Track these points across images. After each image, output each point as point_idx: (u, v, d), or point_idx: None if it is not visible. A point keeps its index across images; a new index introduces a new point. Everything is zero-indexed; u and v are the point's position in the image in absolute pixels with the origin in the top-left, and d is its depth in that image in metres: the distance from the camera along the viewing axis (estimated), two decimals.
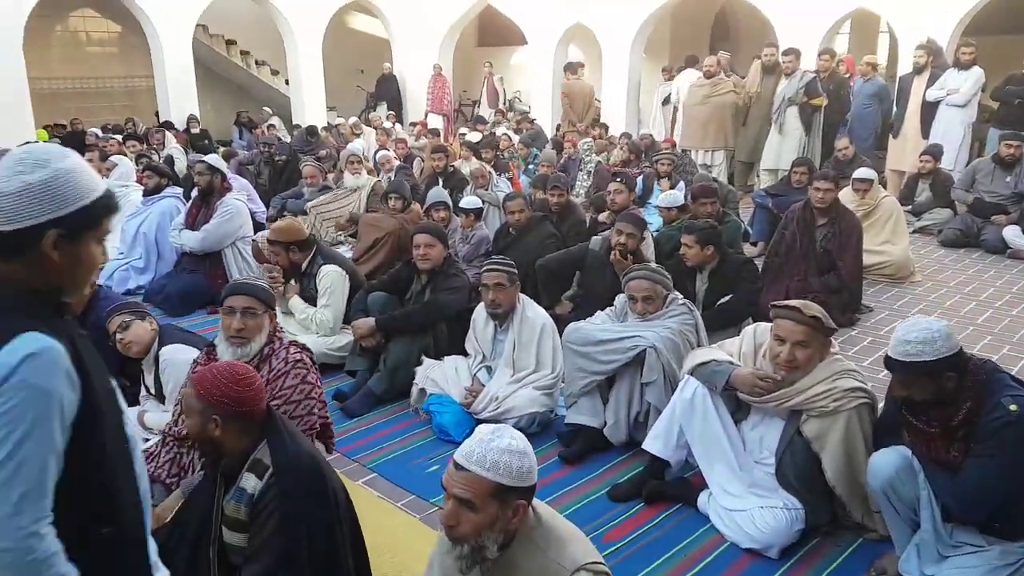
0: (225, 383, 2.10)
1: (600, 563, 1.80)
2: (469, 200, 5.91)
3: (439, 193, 6.07)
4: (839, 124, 9.09)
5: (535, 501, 1.84)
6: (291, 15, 13.74)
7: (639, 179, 7.42)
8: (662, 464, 3.15)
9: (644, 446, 3.17)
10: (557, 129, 11.99)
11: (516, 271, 3.86)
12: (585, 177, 8.56)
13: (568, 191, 6.31)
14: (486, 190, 6.97)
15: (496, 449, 1.69)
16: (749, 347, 3.01)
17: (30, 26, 11.35)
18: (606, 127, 11.30)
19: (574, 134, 10.14)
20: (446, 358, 4.13)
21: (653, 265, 3.84)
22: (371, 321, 4.22)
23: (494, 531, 1.68)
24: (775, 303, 2.89)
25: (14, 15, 11.01)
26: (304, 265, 4.60)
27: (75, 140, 10.65)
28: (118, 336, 3.30)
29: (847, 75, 10.06)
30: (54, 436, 1.28)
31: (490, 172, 7.43)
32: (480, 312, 4.00)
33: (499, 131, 11.54)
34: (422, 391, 4.01)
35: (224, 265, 5.77)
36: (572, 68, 11.60)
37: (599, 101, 12.50)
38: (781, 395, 2.80)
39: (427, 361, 4.12)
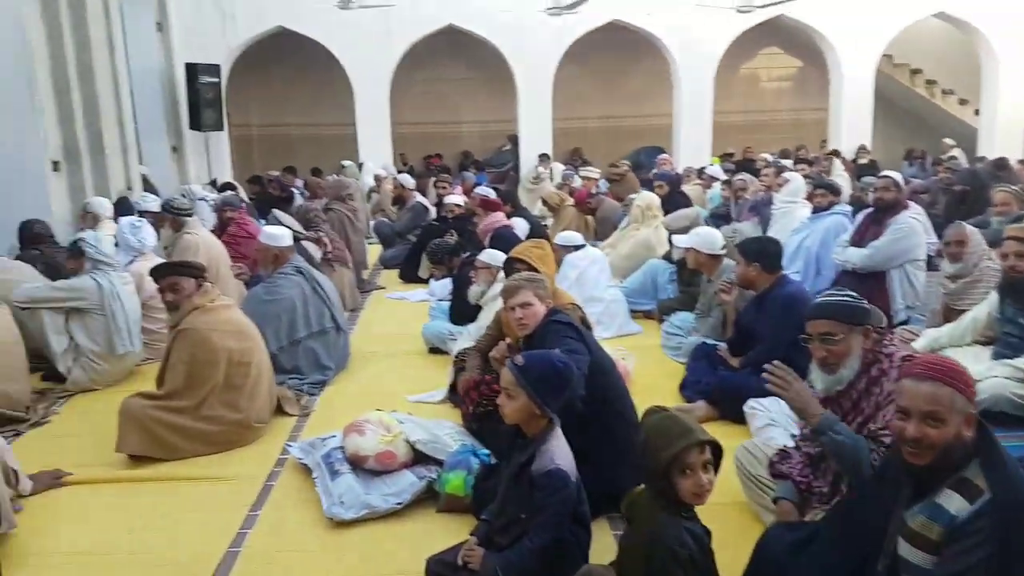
0: None
1: None
2: None
3: None
4: None
5: None
6: (995, 40, 12.08)
7: None
8: None
9: None
10: None
11: None
12: None
13: None
14: None
15: None
16: None
17: (721, 66, 12.49)
18: None
19: None
20: None
21: None
22: None
23: None
24: None
25: (710, 59, 12.27)
26: None
27: (746, 166, 11.19)
28: None
29: None
30: None
31: None
32: None
33: None
34: None
35: (888, 287, 5.21)
36: None
37: None
38: None
39: None
